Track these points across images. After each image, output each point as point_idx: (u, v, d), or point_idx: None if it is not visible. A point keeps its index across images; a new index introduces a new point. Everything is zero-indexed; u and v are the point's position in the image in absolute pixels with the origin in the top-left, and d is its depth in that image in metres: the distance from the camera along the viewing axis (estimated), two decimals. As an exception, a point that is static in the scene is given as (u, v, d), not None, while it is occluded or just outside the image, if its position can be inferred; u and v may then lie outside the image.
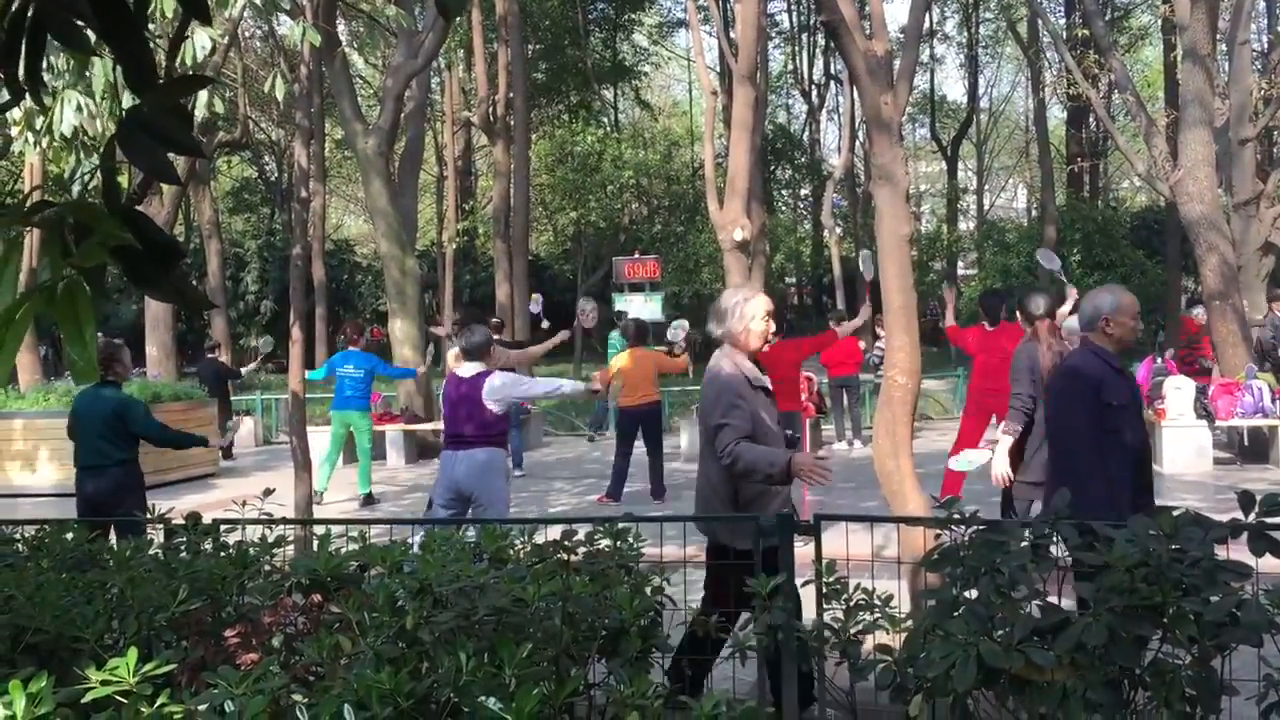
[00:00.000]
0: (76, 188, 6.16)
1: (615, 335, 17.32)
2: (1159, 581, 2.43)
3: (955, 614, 2.53)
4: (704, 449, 4.29)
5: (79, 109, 6.16)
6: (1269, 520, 2.65)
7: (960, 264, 37.82)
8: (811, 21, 37.85)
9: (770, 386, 4.33)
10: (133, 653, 2.43)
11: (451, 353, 8.30)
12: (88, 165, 6.09)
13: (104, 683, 2.40)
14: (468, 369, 6.45)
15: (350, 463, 12.31)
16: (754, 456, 3.97)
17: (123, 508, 6.12)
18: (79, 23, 1.41)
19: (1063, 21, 28.88)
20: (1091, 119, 32.06)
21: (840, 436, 14.07)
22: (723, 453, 4.01)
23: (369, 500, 10.72)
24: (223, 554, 3.69)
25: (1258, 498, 2.70)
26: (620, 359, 10.45)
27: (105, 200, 1.48)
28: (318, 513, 9.45)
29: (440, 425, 7.76)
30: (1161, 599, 2.42)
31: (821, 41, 37.54)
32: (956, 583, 2.61)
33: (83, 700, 2.39)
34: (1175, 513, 2.67)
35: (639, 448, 10.29)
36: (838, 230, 28.27)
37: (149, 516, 4.33)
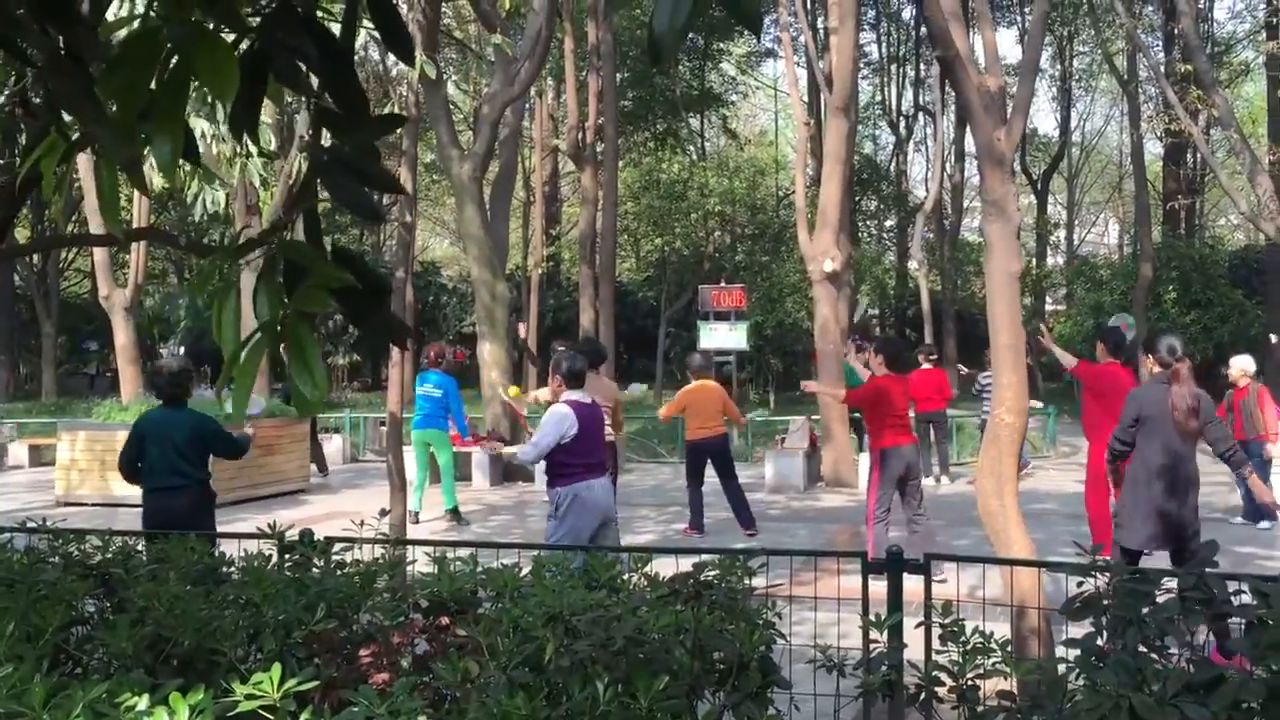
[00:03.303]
0: (199, 210, 6.38)
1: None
2: (1317, 639, 2.36)
3: (1101, 664, 2.48)
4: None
5: (202, 135, 6.38)
6: None
7: (1049, 299, 37.14)
8: (901, 52, 37.69)
9: None
10: (277, 668, 2.49)
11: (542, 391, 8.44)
12: (210, 192, 6.31)
13: (249, 697, 2.46)
14: (581, 395, 6.38)
15: (434, 481, 12.46)
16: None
17: (197, 526, 6.14)
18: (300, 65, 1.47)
19: (1161, 56, 28.33)
20: (1190, 155, 31.35)
21: (927, 473, 13.86)
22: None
23: (455, 515, 10.84)
24: (339, 572, 3.75)
25: None
26: (688, 391, 10.36)
27: (310, 239, 1.54)
28: (412, 533, 9.60)
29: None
30: (1320, 658, 2.35)
31: (911, 73, 37.35)
32: (1101, 632, 2.56)
33: (229, 714, 2.44)
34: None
35: (713, 479, 10.22)
36: (924, 263, 27.98)
37: (266, 532, 4.41)
